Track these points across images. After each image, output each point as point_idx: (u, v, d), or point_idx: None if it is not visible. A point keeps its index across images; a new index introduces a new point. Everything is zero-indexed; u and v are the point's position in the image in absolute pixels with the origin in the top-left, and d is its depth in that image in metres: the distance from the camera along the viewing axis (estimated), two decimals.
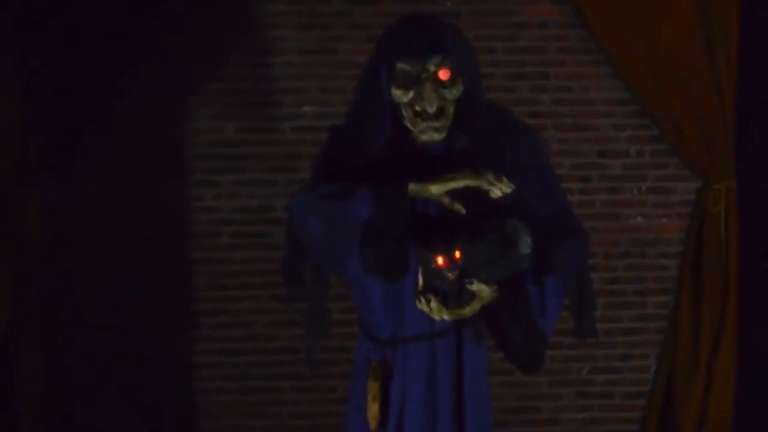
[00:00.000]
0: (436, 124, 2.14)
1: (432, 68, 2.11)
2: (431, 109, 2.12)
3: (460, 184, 2.06)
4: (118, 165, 3.84)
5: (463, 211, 2.07)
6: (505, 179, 2.05)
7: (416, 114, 2.15)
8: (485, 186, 2.05)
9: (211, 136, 3.92)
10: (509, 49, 3.90)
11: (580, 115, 3.92)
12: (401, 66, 2.12)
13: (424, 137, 2.16)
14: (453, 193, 2.09)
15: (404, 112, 2.17)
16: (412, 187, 2.07)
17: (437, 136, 2.16)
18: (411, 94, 2.13)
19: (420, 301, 2.11)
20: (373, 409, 2.21)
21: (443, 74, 2.12)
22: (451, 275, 2.07)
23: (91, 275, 3.83)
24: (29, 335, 3.43)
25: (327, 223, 2.13)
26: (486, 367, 2.31)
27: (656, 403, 3.96)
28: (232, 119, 3.90)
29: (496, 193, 2.05)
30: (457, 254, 2.06)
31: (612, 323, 3.95)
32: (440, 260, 2.07)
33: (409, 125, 2.17)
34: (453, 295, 2.11)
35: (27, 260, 3.48)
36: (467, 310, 2.12)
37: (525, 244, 2.07)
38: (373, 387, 2.22)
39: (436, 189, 2.06)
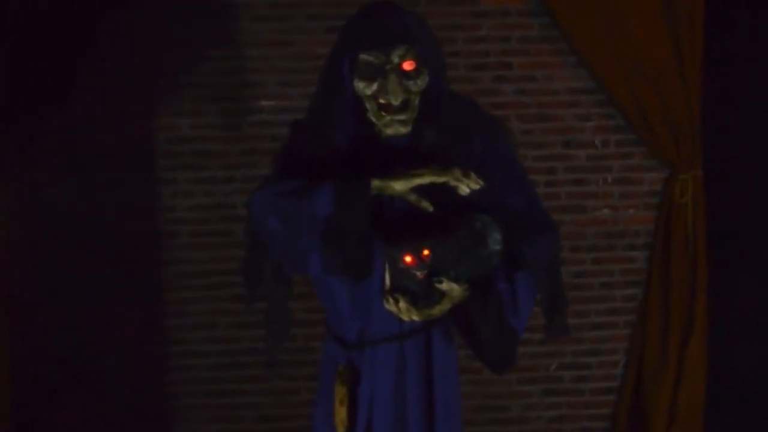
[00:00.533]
0: (402, 117, 2.11)
1: (396, 59, 2.08)
2: (396, 102, 2.09)
3: (425, 180, 2.03)
4: (70, 164, 3.78)
5: (431, 209, 2.04)
6: (473, 175, 2.02)
7: (380, 107, 2.12)
8: (452, 182, 2.02)
9: (167, 132, 3.87)
10: (470, 38, 3.86)
11: (544, 105, 3.90)
12: (364, 57, 2.10)
13: (389, 131, 2.13)
14: (420, 190, 2.06)
15: (368, 105, 2.14)
16: (376, 183, 2.04)
17: (403, 130, 2.13)
18: (375, 87, 2.10)
19: (388, 301, 2.09)
20: (341, 413, 2.19)
21: (408, 65, 2.08)
22: (419, 274, 2.05)
23: (47, 277, 3.77)
24: None
25: (287, 220, 2.09)
26: (456, 366, 2.29)
27: (626, 399, 3.96)
28: (187, 115, 3.85)
29: (464, 189, 2.02)
30: (426, 252, 2.04)
31: (580, 318, 3.90)
32: (408, 259, 2.05)
33: (373, 119, 2.14)
34: (422, 294, 2.09)
35: None
36: (437, 310, 2.10)
37: (495, 241, 2.06)
38: (341, 391, 2.20)
39: (400, 186, 2.03)
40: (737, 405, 3.93)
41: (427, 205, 2.03)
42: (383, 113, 2.12)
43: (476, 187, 2.01)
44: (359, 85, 2.11)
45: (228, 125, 3.86)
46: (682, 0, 3.75)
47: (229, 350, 3.91)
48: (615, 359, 4.00)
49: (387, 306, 2.10)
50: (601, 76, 3.84)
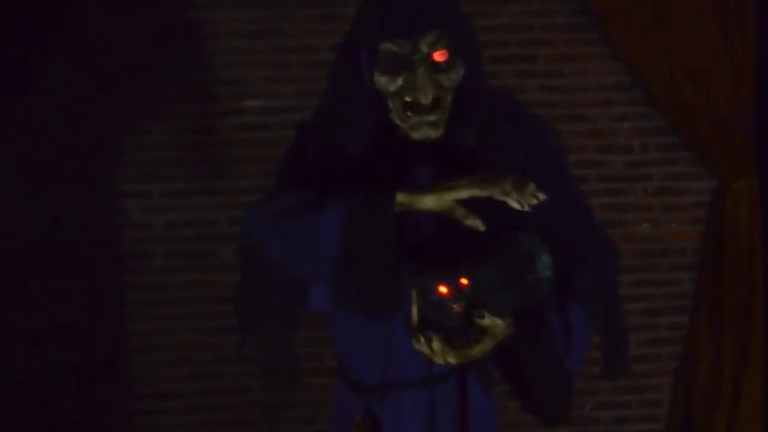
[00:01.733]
0: (432, 117, 1.92)
1: (425, 49, 1.89)
2: (426, 100, 1.90)
3: (464, 193, 1.80)
4: (23, 173, 3.58)
5: (482, 228, 1.81)
6: (531, 187, 1.76)
7: (406, 106, 1.94)
8: (498, 196, 1.78)
9: (136, 138, 3.68)
10: (488, 27, 3.65)
11: (574, 104, 3.73)
12: (386, 47, 1.90)
13: (417, 135, 1.94)
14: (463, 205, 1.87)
15: (391, 104, 1.95)
16: (401, 198, 1.82)
17: (433, 133, 1.94)
18: (399, 82, 1.92)
19: (418, 340, 1.87)
20: None
21: (439, 55, 1.90)
22: (456, 307, 1.85)
23: None
24: None
25: (287, 244, 1.89)
26: (495, 416, 2.13)
27: None
28: (160, 118, 3.64)
29: (515, 205, 1.77)
30: (464, 281, 1.84)
31: None
32: (443, 289, 1.84)
33: (397, 120, 1.96)
34: (459, 331, 1.89)
35: None
36: (478, 350, 1.89)
37: (545, 266, 1.85)
38: None
39: (432, 201, 1.82)
40: None
41: (477, 224, 1.80)
42: (410, 113, 1.94)
43: (534, 201, 1.76)
44: (381, 80, 1.93)
45: (208, 129, 3.67)
46: None
47: (210, 390, 3.72)
48: (658, 397, 3.86)
49: (417, 346, 1.88)
50: (639, 69, 3.69)
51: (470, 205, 1.82)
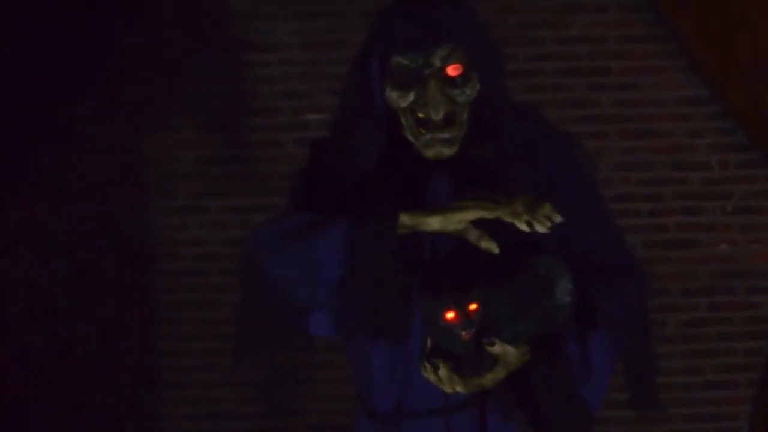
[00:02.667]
0: (445, 135, 1.87)
1: (438, 62, 1.85)
2: (437, 116, 1.85)
3: (471, 215, 1.76)
4: (78, 187, 3.54)
5: (496, 250, 1.76)
6: (548, 207, 1.71)
7: (419, 122, 1.88)
8: (507, 218, 1.72)
9: (195, 151, 3.67)
10: (560, 38, 3.67)
11: (649, 119, 3.70)
12: (398, 60, 1.85)
13: (429, 153, 1.88)
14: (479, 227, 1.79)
15: (403, 120, 1.89)
16: (405, 219, 1.78)
17: (446, 151, 1.88)
18: (411, 97, 1.86)
19: (425, 368, 1.82)
20: None
21: (453, 70, 1.85)
22: (465, 334, 1.78)
23: (42, 324, 3.50)
24: None
25: (287, 267, 1.85)
26: None
27: None
28: (219, 131, 3.62)
29: (523, 228, 1.71)
30: (473, 306, 1.76)
31: (691, 375, 3.73)
32: (450, 315, 1.76)
33: (410, 137, 1.90)
34: (469, 359, 1.82)
35: None
36: (488, 380, 1.82)
37: (564, 291, 1.78)
38: None
39: (438, 222, 1.77)
40: None
41: (491, 246, 1.76)
42: (422, 130, 1.88)
43: (548, 224, 1.70)
44: (392, 95, 1.87)
45: (268, 143, 3.64)
46: None
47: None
48: (736, 426, 3.79)
49: (424, 373, 1.83)
50: (717, 82, 3.64)
51: (490, 225, 1.77)
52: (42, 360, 3.56)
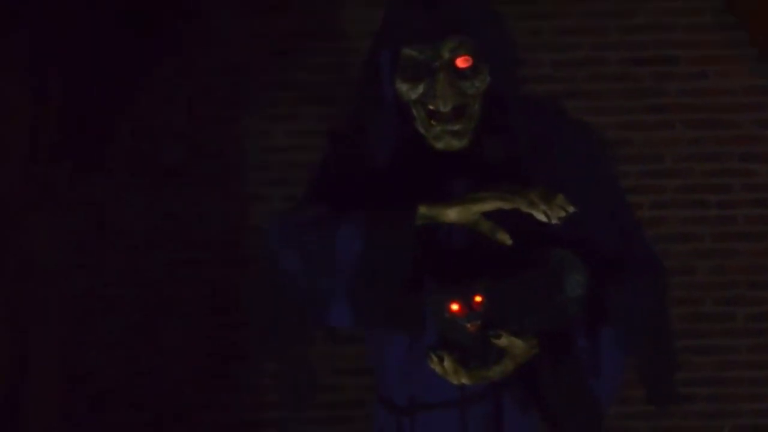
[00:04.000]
0: (455, 127, 1.88)
1: (447, 54, 1.86)
2: (446, 108, 1.86)
3: (489, 206, 1.78)
4: (143, 177, 3.65)
5: (509, 242, 1.78)
6: (560, 197, 1.74)
7: (430, 114, 1.89)
8: (524, 208, 1.75)
9: (260, 141, 3.74)
10: (626, 27, 3.68)
11: (717, 109, 3.69)
12: (407, 52, 1.87)
13: (440, 145, 1.90)
14: (492, 218, 1.81)
15: (415, 112, 1.91)
16: (423, 210, 1.80)
17: (456, 144, 1.89)
18: (421, 89, 1.88)
19: (431, 359, 1.84)
20: None
21: (462, 62, 1.86)
22: (470, 326, 1.79)
23: (114, 310, 3.67)
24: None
25: (306, 259, 1.86)
26: None
27: None
28: (283, 120, 3.66)
29: (541, 217, 1.74)
30: (478, 299, 1.78)
31: (759, 370, 3.66)
32: (455, 307, 1.78)
33: (421, 129, 1.91)
34: (474, 351, 1.83)
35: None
36: (495, 372, 1.84)
37: (575, 285, 1.78)
38: None
39: (456, 213, 1.80)
40: None
41: (504, 237, 1.78)
42: (433, 122, 1.89)
43: (562, 214, 1.73)
44: (402, 88, 1.89)
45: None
46: None
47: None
48: None
49: (430, 365, 1.85)
50: None
51: (505, 217, 1.79)
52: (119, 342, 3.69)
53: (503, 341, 1.80)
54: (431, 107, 1.87)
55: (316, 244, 1.85)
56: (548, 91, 3.51)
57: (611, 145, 2.12)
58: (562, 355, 1.87)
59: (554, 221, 1.73)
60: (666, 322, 1.98)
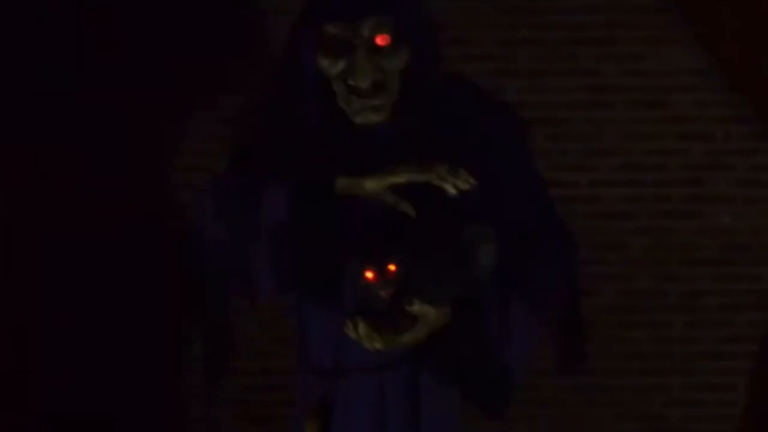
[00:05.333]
0: (374, 102, 1.95)
1: (366, 32, 1.92)
2: (364, 84, 1.92)
3: (402, 178, 1.88)
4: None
5: (413, 213, 1.89)
6: (463, 172, 1.84)
7: (349, 90, 1.96)
8: (435, 181, 1.85)
9: None
10: (566, 7, 3.72)
11: (654, 89, 3.75)
12: (328, 29, 1.93)
13: (359, 119, 1.97)
14: (402, 191, 1.90)
15: (336, 88, 1.98)
16: (342, 182, 1.91)
17: (374, 117, 1.96)
18: (341, 65, 1.94)
19: (347, 325, 1.92)
20: None
21: (381, 39, 1.92)
22: (384, 293, 1.88)
23: None
24: None
25: (233, 227, 1.95)
26: (451, 407, 2.11)
27: None
28: None
29: (450, 189, 1.84)
30: (392, 267, 1.87)
31: (691, 345, 3.78)
32: (369, 275, 1.87)
33: (341, 103, 1.98)
34: (388, 318, 1.91)
35: None
36: (407, 338, 1.92)
37: (487, 255, 1.85)
38: (311, 427, 2.07)
39: (371, 185, 1.90)
40: None
41: (407, 208, 1.89)
42: (353, 97, 1.96)
43: (466, 187, 1.83)
44: (323, 63, 1.96)
45: None
46: None
47: None
48: (734, 397, 3.83)
49: (346, 330, 1.93)
50: (724, 53, 3.73)
51: (421, 191, 1.87)
52: None
53: (416, 308, 1.87)
54: (351, 83, 1.93)
55: (241, 213, 1.93)
56: (489, 71, 3.58)
57: (529, 125, 2.13)
58: (472, 323, 1.95)
59: (454, 193, 1.83)
60: (578, 289, 2.08)
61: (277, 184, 1.92)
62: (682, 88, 3.78)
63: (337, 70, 1.93)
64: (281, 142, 2.04)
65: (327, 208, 1.90)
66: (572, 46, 3.70)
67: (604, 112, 3.70)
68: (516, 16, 3.65)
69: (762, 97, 3.68)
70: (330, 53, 1.94)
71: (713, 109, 3.79)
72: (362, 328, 1.89)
